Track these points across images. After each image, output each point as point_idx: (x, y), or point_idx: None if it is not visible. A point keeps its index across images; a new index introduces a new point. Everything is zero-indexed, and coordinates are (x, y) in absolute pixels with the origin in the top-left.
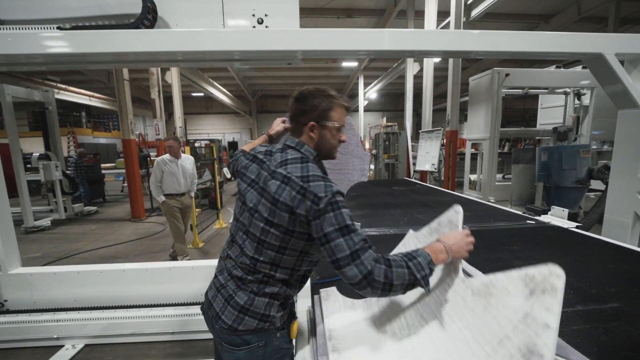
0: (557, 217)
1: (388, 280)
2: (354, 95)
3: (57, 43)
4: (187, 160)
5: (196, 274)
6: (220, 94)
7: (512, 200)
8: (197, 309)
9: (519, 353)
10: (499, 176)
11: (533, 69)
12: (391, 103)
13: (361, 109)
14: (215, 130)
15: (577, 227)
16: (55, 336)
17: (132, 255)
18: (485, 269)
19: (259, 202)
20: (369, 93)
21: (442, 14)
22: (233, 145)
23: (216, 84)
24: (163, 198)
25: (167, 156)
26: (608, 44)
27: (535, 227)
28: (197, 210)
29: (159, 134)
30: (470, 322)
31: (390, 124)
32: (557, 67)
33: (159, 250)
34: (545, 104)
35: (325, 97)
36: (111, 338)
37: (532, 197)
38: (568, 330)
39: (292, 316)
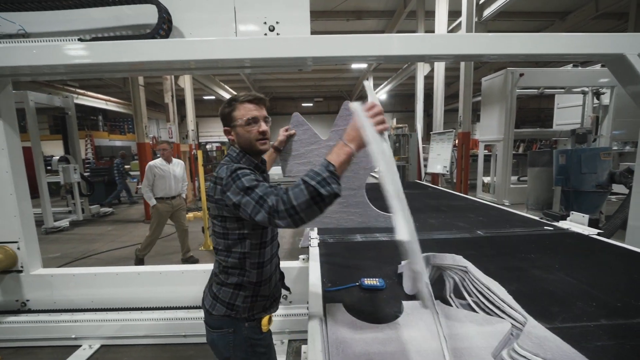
0: (576, 223)
1: (287, 204)
2: (363, 97)
3: (78, 54)
4: (177, 164)
5: (208, 277)
6: None
7: (528, 205)
8: None
9: None
10: (514, 178)
11: (549, 69)
12: (401, 104)
13: None
14: None
15: (598, 234)
16: (73, 336)
17: (146, 257)
18: (503, 279)
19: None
20: (378, 94)
21: (453, 13)
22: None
23: (227, 87)
24: (154, 202)
25: (158, 161)
26: (630, 44)
27: (553, 233)
28: (207, 212)
29: (172, 137)
30: None
31: (400, 125)
32: (574, 65)
33: (172, 252)
34: (561, 103)
35: (227, 104)
36: (126, 339)
37: (550, 202)
38: (592, 347)
39: (265, 310)
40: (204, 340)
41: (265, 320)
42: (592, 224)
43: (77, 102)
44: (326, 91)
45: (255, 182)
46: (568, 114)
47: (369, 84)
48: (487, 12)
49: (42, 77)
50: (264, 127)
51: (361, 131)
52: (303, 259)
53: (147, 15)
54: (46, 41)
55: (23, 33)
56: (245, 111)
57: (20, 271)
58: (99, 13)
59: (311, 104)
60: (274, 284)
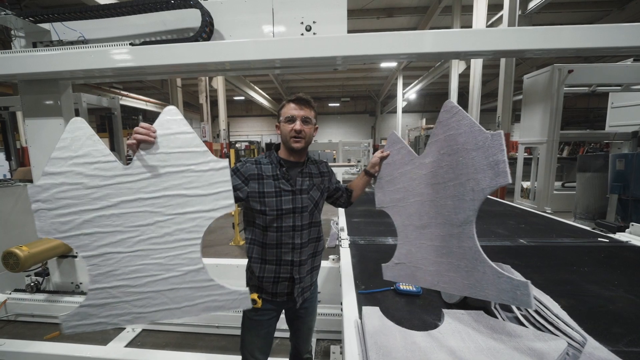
0: (638, 236)
1: None
2: (391, 96)
3: (127, 57)
4: None
5: (240, 271)
6: (260, 97)
7: (577, 213)
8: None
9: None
10: (558, 184)
11: (602, 64)
12: (432, 103)
13: (399, 110)
14: (254, 131)
15: None
16: None
17: None
18: (553, 293)
19: None
20: (408, 94)
21: (493, 7)
22: (270, 146)
23: (256, 88)
24: None
25: None
26: None
27: (609, 246)
28: (238, 209)
29: (205, 136)
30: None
31: (431, 125)
32: (635, 59)
33: (205, 245)
34: (617, 102)
35: (281, 102)
36: (165, 325)
37: (603, 211)
38: None
39: (254, 287)
40: (235, 332)
41: (253, 295)
42: None
43: (121, 103)
44: (353, 91)
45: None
46: (625, 113)
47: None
48: (532, 4)
49: (93, 79)
50: (298, 126)
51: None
52: (333, 259)
53: (192, 19)
54: (102, 46)
55: (82, 40)
56: (287, 110)
57: (75, 256)
58: (146, 20)
59: (338, 104)
60: (265, 267)
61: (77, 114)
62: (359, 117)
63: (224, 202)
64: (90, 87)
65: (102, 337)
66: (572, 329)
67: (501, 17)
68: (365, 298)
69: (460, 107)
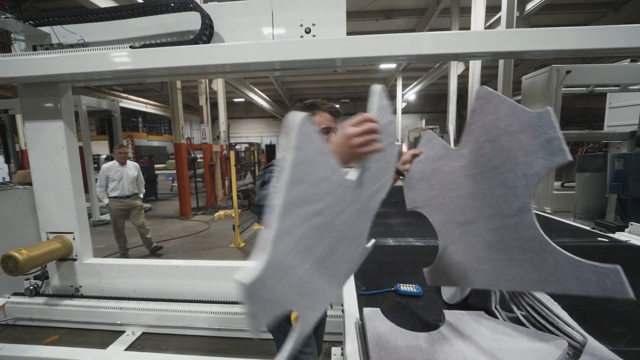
0: (637, 236)
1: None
2: (391, 97)
3: (126, 60)
4: (131, 166)
5: None
6: (260, 99)
7: (576, 213)
8: (240, 308)
9: None
10: (557, 184)
11: (601, 65)
12: (431, 104)
13: (399, 111)
14: (254, 133)
15: None
16: (118, 322)
17: (180, 251)
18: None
19: None
20: (407, 95)
21: (491, 9)
22: (270, 148)
23: (256, 90)
24: (107, 201)
25: (111, 164)
26: None
27: (609, 245)
28: (238, 210)
29: (205, 138)
30: None
31: (431, 127)
32: (632, 60)
33: (204, 247)
34: (615, 102)
35: (308, 107)
36: (165, 329)
37: (602, 211)
38: None
39: None
40: (236, 335)
41: (293, 315)
42: None
43: (120, 105)
44: (353, 92)
45: (265, 187)
46: (623, 114)
47: (378, 88)
48: (530, 6)
49: (92, 82)
50: (333, 138)
51: (343, 141)
52: None
53: (191, 22)
54: (102, 49)
55: (82, 42)
56: (323, 119)
57: (75, 259)
58: (146, 22)
59: (337, 106)
60: None
61: (76, 116)
62: None
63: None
64: (90, 90)
65: (102, 340)
66: (572, 328)
67: (499, 18)
68: (366, 299)
69: (497, 92)
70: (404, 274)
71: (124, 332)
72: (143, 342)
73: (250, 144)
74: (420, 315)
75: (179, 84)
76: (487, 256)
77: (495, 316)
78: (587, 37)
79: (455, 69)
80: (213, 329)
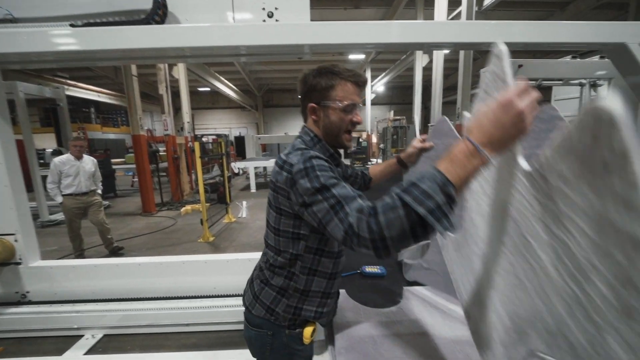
0: None
1: (375, 234)
2: None
3: (68, 40)
4: (88, 161)
5: (209, 267)
6: (227, 89)
7: None
8: (210, 302)
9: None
10: None
11: (547, 60)
12: (399, 96)
13: (368, 102)
14: (222, 125)
15: None
16: (75, 326)
17: (144, 248)
18: None
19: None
20: (376, 86)
21: (453, 3)
22: (240, 140)
23: (222, 79)
24: (60, 199)
25: (64, 157)
26: (632, 33)
27: None
28: (206, 204)
29: (167, 130)
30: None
31: (398, 117)
32: (573, 57)
33: (171, 244)
34: (558, 95)
35: (326, 74)
36: (129, 329)
37: None
38: None
39: (307, 321)
40: (206, 329)
41: (308, 331)
42: None
43: (68, 94)
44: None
45: (333, 179)
46: (565, 106)
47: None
48: (487, 1)
49: (30, 65)
50: (358, 116)
51: (513, 120)
52: None
53: (142, 0)
54: (35, 27)
55: (10, 18)
56: (347, 93)
57: (19, 263)
58: None
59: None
60: (326, 301)
61: (11, 105)
62: None
63: None
64: (28, 76)
65: (57, 347)
66: None
67: (460, 13)
68: None
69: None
70: (370, 257)
71: (83, 336)
72: (105, 345)
73: (218, 135)
74: (384, 294)
75: (134, 70)
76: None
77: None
78: (536, 31)
79: (420, 61)
80: (181, 324)
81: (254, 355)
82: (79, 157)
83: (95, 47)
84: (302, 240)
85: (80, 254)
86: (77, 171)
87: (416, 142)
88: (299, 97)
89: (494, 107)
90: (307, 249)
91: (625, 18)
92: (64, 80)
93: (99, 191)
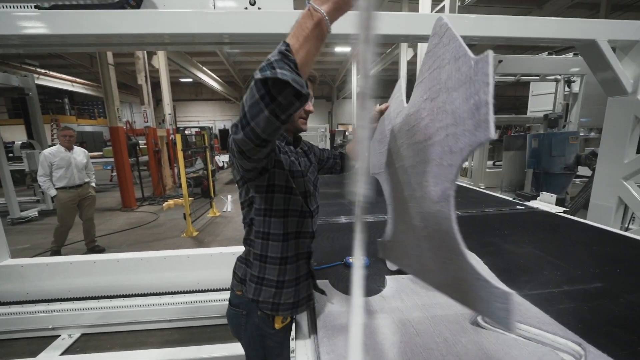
0: (545, 203)
1: (242, 120)
2: (347, 82)
3: (35, 24)
4: (79, 152)
5: (192, 262)
6: (210, 80)
7: (503, 187)
8: (193, 297)
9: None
10: (490, 163)
11: (526, 56)
12: (384, 90)
13: (354, 95)
14: (205, 117)
15: (564, 211)
16: (50, 326)
17: (125, 244)
18: (479, 253)
19: None
20: None
21: None
22: (225, 132)
23: (205, 69)
24: (54, 192)
25: (54, 149)
26: (601, 30)
27: (524, 212)
28: (189, 199)
29: (147, 122)
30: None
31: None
32: (549, 53)
33: (153, 239)
34: (536, 91)
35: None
36: (108, 327)
37: (522, 184)
38: (555, 309)
39: (277, 310)
40: (189, 324)
41: (279, 318)
42: (559, 203)
43: (38, 83)
44: (309, 76)
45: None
46: (541, 101)
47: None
48: None
49: None
50: (310, 106)
51: None
52: None
53: None
54: None
55: None
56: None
57: None
58: None
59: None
60: (281, 291)
61: None
62: (316, 102)
63: None
64: None
65: (30, 349)
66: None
67: (443, 7)
68: (317, 273)
69: (449, 26)
70: (353, 248)
71: (59, 336)
72: (83, 344)
73: (202, 127)
74: (367, 283)
75: (110, 59)
76: (414, 242)
77: None
78: (515, 26)
79: (405, 54)
80: (164, 320)
81: (233, 335)
82: (69, 148)
83: (65, 32)
84: (253, 204)
85: (56, 251)
86: (68, 162)
87: (376, 107)
88: None
89: None
90: (256, 211)
91: (597, 17)
92: (32, 69)
93: (93, 184)
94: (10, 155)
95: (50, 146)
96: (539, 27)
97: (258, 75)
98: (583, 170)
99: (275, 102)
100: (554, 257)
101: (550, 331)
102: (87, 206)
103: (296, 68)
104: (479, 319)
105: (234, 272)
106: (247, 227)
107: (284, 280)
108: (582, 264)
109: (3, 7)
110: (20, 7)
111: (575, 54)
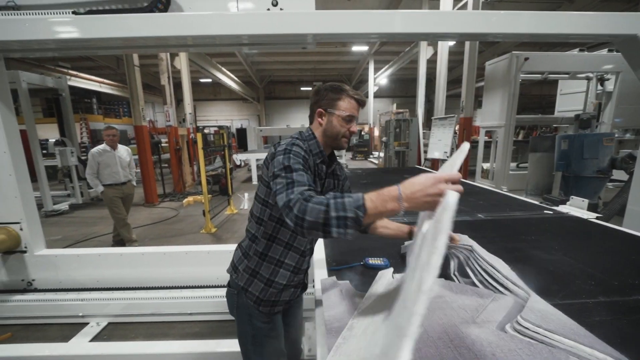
0: (576, 208)
1: (300, 213)
2: (363, 81)
3: (71, 28)
4: (123, 150)
5: (211, 258)
6: (229, 80)
7: (528, 190)
8: (212, 292)
9: None
10: (513, 165)
11: (554, 53)
12: (402, 89)
13: (371, 95)
14: (223, 116)
15: (597, 218)
16: (80, 314)
17: (147, 239)
18: (504, 259)
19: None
20: (379, 78)
21: None
22: (241, 132)
23: (224, 70)
24: (102, 188)
25: (100, 147)
26: None
27: (553, 217)
28: (208, 196)
29: (169, 121)
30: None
31: (401, 110)
32: (580, 50)
33: (173, 234)
34: (564, 89)
35: (337, 88)
36: (133, 317)
37: (549, 187)
38: (590, 321)
39: (259, 305)
40: (209, 318)
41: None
42: (591, 208)
43: (70, 84)
44: (325, 75)
45: (299, 165)
46: (571, 100)
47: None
48: None
49: (31, 53)
50: (355, 127)
51: (420, 202)
52: None
53: None
54: (37, 14)
55: (12, 5)
56: (350, 106)
57: (25, 251)
58: None
59: (310, 88)
60: (268, 289)
61: (15, 95)
62: None
63: None
64: (29, 65)
65: (63, 334)
66: (519, 287)
67: (466, 4)
68: (336, 274)
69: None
70: (372, 249)
71: (88, 323)
72: (109, 333)
73: (220, 127)
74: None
75: (136, 60)
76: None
77: (453, 281)
78: (544, 22)
79: (425, 53)
80: (184, 313)
81: (230, 313)
82: (113, 147)
83: (97, 35)
84: (268, 208)
85: (120, 242)
86: (114, 161)
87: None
88: (311, 104)
89: (428, 177)
90: (271, 216)
91: (636, 10)
92: (65, 71)
93: (134, 182)
94: (44, 152)
95: (80, 143)
96: (571, 22)
97: (332, 224)
98: (618, 175)
99: (330, 235)
100: (587, 266)
101: (586, 344)
102: (127, 203)
103: (359, 227)
104: (508, 326)
105: (233, 260)
106: (255, 223)
107: (274, 280)
108: (619, 274)
109: (43, 14)
110: (59, 13)
111: (610, 50)
